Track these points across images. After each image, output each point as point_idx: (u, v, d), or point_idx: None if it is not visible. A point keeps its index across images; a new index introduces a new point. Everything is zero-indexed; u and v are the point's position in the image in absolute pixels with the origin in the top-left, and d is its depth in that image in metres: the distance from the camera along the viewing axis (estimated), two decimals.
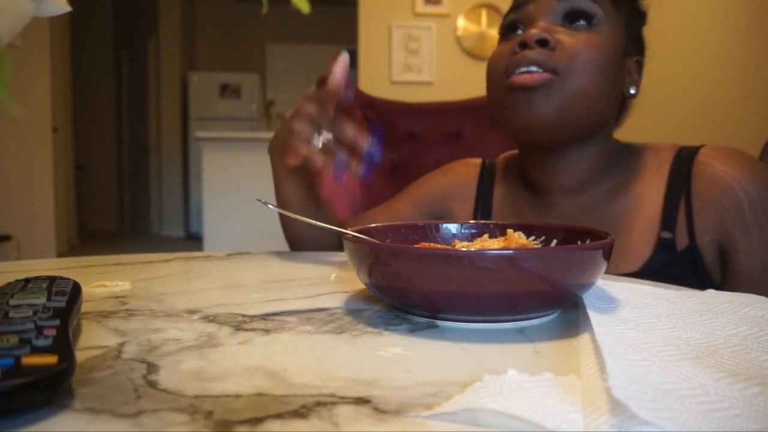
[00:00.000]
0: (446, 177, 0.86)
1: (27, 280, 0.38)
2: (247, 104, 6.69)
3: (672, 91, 3.65)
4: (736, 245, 0.64)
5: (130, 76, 7.02)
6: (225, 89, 6.66)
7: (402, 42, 4.04)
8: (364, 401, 0.25)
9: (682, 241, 0.66)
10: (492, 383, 0.25)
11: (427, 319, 0.39)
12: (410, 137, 1.59)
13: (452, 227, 0.53)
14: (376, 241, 0.45)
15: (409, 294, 0.38)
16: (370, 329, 0.37)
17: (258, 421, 0.23)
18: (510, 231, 0.46)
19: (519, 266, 0.35)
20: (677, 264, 0.65)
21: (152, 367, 0.29)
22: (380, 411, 0.24)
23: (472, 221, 0.54)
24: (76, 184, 5.69)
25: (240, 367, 0.30)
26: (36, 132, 3.86)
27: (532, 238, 0.49)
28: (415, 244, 0.49)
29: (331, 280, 0.54)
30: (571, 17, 0.67)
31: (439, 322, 0.38)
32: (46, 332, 0.27)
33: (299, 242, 0.80)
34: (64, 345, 0.26)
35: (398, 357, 0.32)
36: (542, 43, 0.65)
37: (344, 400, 0.25)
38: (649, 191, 0.69)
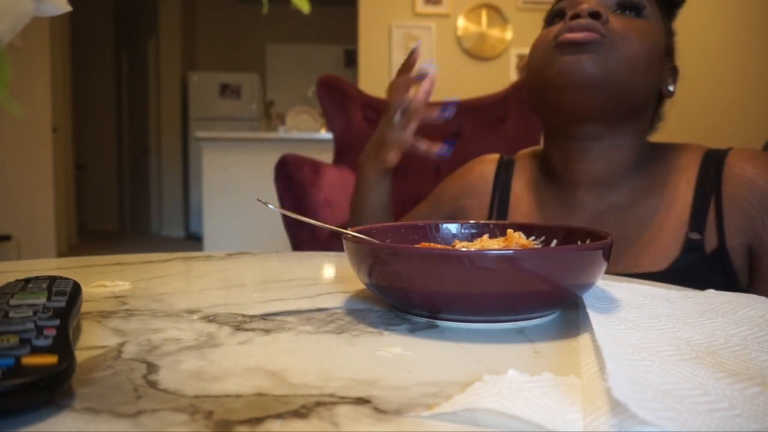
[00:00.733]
0: (462, 177, 0.86)
1: (27, 280, 0.38)
2: (247, 104, 6.69)
3: None
4: (766, 248, 0.63)
5: (130, 76, 7.02)
6: (225, 89, 6.66)
7: (402, 42, 4.04)
8: (364, 401, 0.25)
9: (710, 243, 0.65)
10: (492, 383, 0.25)
11: (427, 319, 0.39)
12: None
13: (452, 227, 0.53)
14: (376, 241, 0.45)
15: (409, 294, 0.38)
16: (370, 329, 0.37)
17: (258, 421, 0.23)
18: (510, 231, 0.46)
19: (519, 266, 0.35)
20: (705, 266, 0.65)
21: (152, 367, 0.29)
22: (380, 411, 0.24)
23: (472, 221, 0.54)
24: (76, 184, 5.69)
25: (240, 367, 0.30)
26: (36, 132, 3.86)
27: (532, 238, 0.49)
28: (415, 244, 0.49)
29: (332, 280, 0.54)
30: (621, 7, 0.68)
31: (439, 322, 0.38)
32: (46, 332, 0.27)
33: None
34: (64, 345, 0.26)
35: (398, 357, 0.32)
36: (595, 15, 0.65)
37: (344, 400, 0.25)
38: (678, 192, 0.69)
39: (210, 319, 0.39)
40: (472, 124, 1.63)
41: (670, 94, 0.73)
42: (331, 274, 0.58)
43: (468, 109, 1.64)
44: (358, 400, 0.25)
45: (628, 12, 0.68)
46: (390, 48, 4.05)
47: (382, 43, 4.06)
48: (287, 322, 0.38)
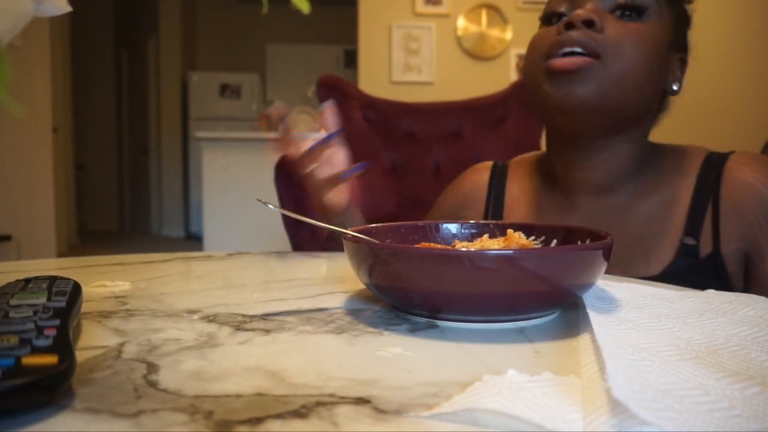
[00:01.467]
0: (457, 188, 0.86)
1: (27, 280, 0.38)
2: (247, 104, 6.69)
3: None
4: (763, 254, 0.62)
5: (130, 76, 7.02)
6: (225, 89, 6.66)
7: (402, 42, 4.04)
8: (364, 401, 0.25)
9: (705, 248, 0.64)
10: (492, 383, 0.25)
11: (427, 319, 0.39)
12: (410, 137, 1.59)
13: (452, 227, 0.53)
14: (376, 241, 0.45)
15: (409, 294, 0.38)
16: (370, 329, 0.37)
17: (258, 421, 0.23)
18: (510, 231, 0.46)
19: (519, 266, 0.35)
20: (698, 271, 0.64)
21: (152, 367, 0.29)
22: (380, 411, 0.24)
23: (472, 221, 0.54)
24: (76, 184, 5.69)
25: (240, 367, 0.30)
26: (36, 132, 3.85)
27: (532, 238, 0.49)
28: (415, 244, 0.49)
29: (332, 280, 0.54)
30: (622, 9, 0.66)
31: (439, 322, 0.38)
32: (46, 332, 0.27)
33: None
34: (64, 345, 0.26)
35: (398, 357, 0.32)
36: (589, 24, 0.63)
37: (344, 400, 0.25)
38: (676, 196, 0.68)
39: (210, 319, 0.39)
40: (472, 124, 1.63)
41: (675, 92, 0.72)
42: (331, 274, 0.58)
43: (468, 109, 1.64)
44: (358, 400, 0.26)
45: (628, 14, 0.66)
46: (390, 48, 4.05)
47: (382, 43, 4.06)
48: (287, 322, 0.38)
